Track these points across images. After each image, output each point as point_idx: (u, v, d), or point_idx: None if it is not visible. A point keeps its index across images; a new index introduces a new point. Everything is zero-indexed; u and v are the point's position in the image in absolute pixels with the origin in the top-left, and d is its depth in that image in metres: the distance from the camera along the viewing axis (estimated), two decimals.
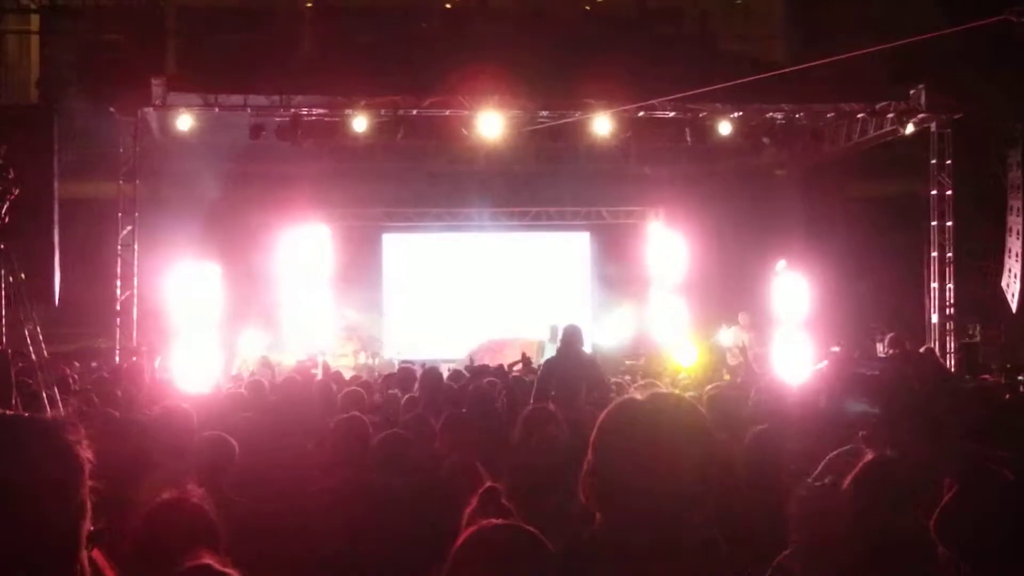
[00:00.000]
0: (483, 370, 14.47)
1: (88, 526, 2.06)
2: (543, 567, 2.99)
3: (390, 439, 6.95)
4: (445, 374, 13.46)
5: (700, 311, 23.79)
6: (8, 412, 2.12)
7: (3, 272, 11.84)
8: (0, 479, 1.94)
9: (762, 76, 17.83)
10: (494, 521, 3.27)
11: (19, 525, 1.93)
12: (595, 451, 2.93)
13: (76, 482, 2.03)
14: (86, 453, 2.06)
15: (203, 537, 4.01)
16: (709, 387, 10.00)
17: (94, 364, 17.95)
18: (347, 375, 16.73)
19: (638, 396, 3.07)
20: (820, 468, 4.79)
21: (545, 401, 9.74)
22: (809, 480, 4.65)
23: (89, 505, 2.06)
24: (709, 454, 2.90)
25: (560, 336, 12.91)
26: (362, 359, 20.98)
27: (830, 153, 23.18)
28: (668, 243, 25.07)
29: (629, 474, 2.81)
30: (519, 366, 17.02)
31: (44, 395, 7.44)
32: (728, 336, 21.22)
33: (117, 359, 18.25)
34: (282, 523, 5.86)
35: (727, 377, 17.82)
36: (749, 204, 24.11)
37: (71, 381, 13.62)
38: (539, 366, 13.99)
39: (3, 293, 11.80)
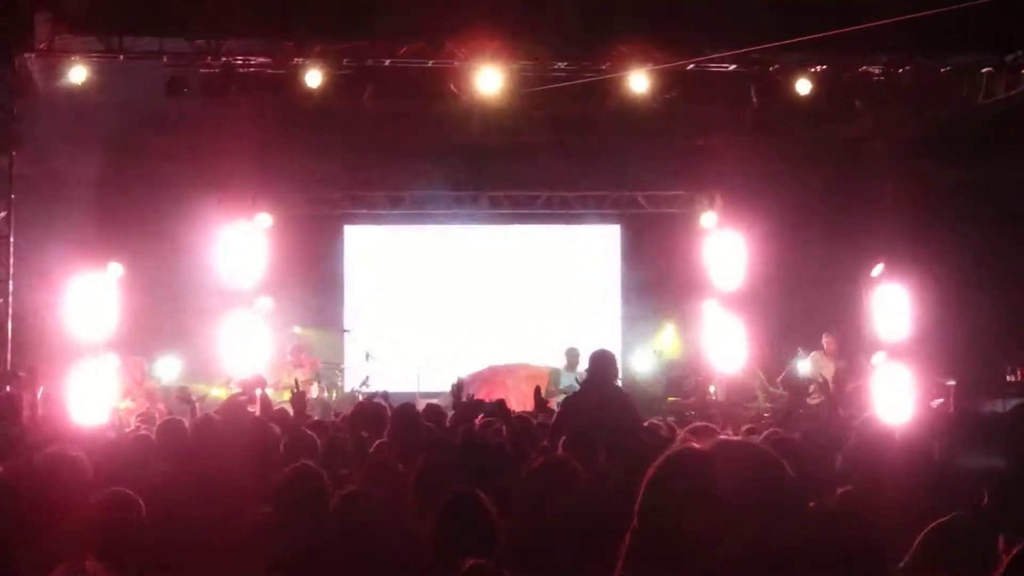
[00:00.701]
0: (475, 407, 14.35)
1: None
2: None
3: (351, 501, 6.90)
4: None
5: (766, 331, 23.72)
6: None
7: None
8: None
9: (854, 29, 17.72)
10: None
11: None
12: (643, 518, 2.88)
13: None
14: None
15: None
16: (782, 432, 9.96)
17: None
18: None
19: (697, 445, 3.01)
20: (913, 549, 4.75)
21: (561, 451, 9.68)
22: (900, 567, 4.62)
23: None
24: (799, 525, 2.85)
25: (582, 364, 12.87)
26: (315, 392, 20.91)
27: (944, 121, 22.98)
28: (725, 240, 25.01)
29: (689, 549, 2.76)
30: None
31: None
32: (806, 366, 21.18)
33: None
34: None
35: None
36: (834, 189, 24.08)
37: None
38: (558, 403, 13.94)
39: None
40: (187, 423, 12.51)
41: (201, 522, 7.35)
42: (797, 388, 20.90)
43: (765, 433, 9.87)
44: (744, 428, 13.48)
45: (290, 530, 6.73)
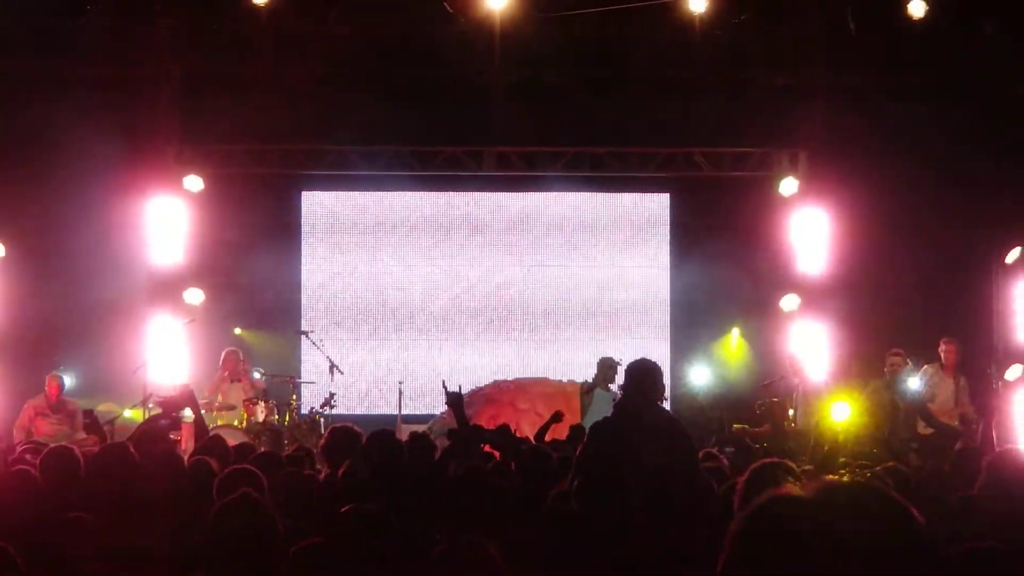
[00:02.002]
0: (475, 435, 14.16)
1: None
2: None
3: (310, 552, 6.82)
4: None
5: (867, 337, 23.65)
6: None
7: None
8: None
9: None
10: None
11: None
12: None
13: None
14: None
15: None
16: (884, 468, 9.87)
17: None
18: (234, 441, 16.62)
19: (795, 489, 2.89)
20: None
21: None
22: None
23: None
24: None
25: (618, 377, 12.76)
26: (260, 415, 20.89)
27: None
28: (810, 213, 24.92)
29: None
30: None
31: None
32: (920, 381, 21.11)
33: None
34: None
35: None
36: (959, 148, 23.91)
37: None
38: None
39: None
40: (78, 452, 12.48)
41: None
42: (907, 409, 20.85)
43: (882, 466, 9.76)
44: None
45: None
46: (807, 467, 12.41)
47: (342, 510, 8.61)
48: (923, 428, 20.26)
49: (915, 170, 23.41)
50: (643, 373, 12.10)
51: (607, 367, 19.87)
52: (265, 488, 9.49)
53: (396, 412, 21.57)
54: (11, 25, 20.98)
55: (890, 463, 10.36)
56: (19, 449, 14.79)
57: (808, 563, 2.68)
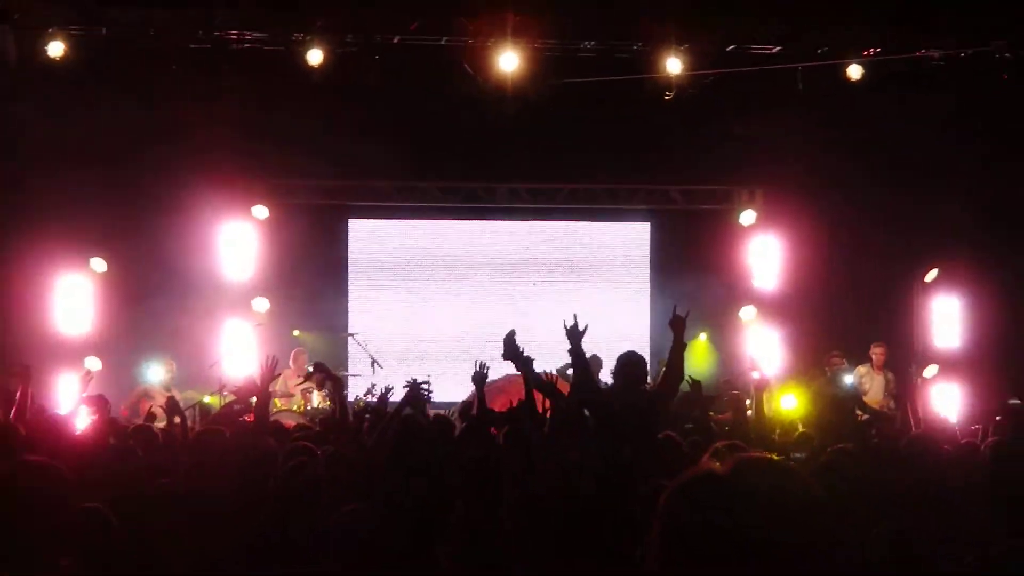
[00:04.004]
0: (485, 417, 14.01)
1: None
2: None
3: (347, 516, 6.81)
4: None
5: (811, 342, 23.64)
6: None
7: None
8: None
9: None
10: None
11: None
12: (659, 549, 2.82)
13: None
14: None
15: None
16: (829, 450, 9.86)
17: None
18: (292, 422, 16.67)
19: (718, 467, 2.94)
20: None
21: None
22: None
23: None
24: (823, 549, 2.79)
25: (604, 373, 12.77)
26: (316, 402, 20.85)
27: (1019, 111, 22.61)
28: (766, 239, 24.96)
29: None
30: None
31: None
32: (851, 378, 21.10)
33: None
34: None
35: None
36: (887, 185, 23.91)
37: None
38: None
39: None
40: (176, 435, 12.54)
41: (183, 546, 7.34)
42: (843, 402, 20.84)
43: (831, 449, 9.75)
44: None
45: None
46: (761, 448, 12.41)
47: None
48: (860, 416, 20.30)
49: (851, 206, 23.46)
50: (629, 363, 12.27)
51: (596, 361, 19.87)
52: (319, 458, 9.54)
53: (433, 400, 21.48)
54: (119, 81, 21.01)
55: (840, 445, 10.33)
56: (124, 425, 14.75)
57: (723, 525, 2.72)
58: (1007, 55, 21.08)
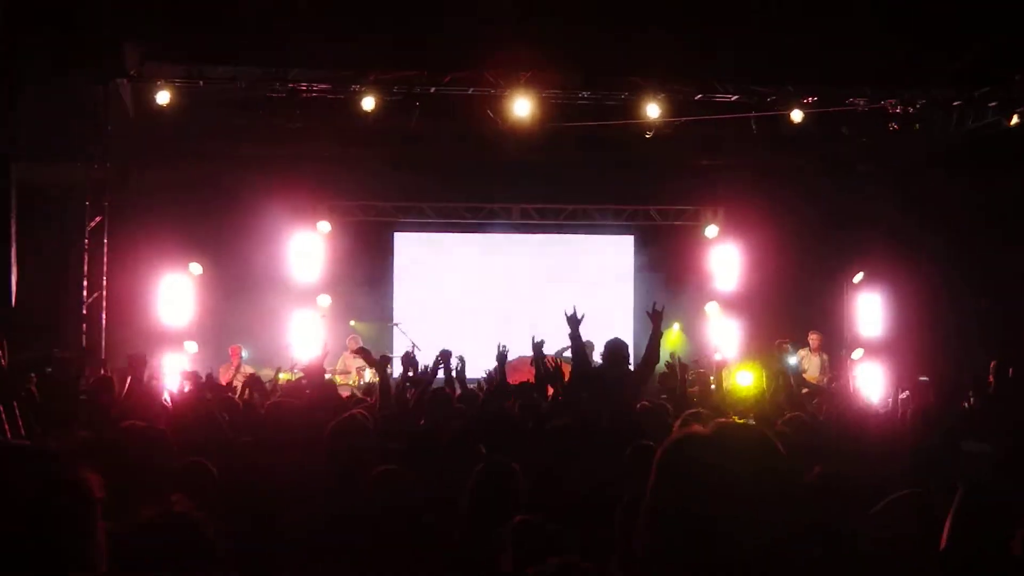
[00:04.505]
0: (502, 388, 14.11)
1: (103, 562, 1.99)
2: None
3: (390, 476, 6.78)
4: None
5: (762, 330, 23.62)
6: (14, 441, 2.06)
7: None
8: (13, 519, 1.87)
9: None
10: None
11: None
12: (654, 495, 2.85)
13: (94, 523, 1.97)
14: (98, 488, 2.00)
15: (197, 551, 3.91)
16: (786, 418, 9.90)
17: (48, 370, 17.94)
18: (347, 394, 16.67)
19: (699, 429, 2.98)
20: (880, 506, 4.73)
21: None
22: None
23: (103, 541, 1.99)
24: (788, 495, 2.82)
25: (598, 350, 12.82)
26: (368, 377, 20.86)
27: (924, 147, 22.79)
28: (726, 250, 25.00)
29: (695, 521, 2.73)
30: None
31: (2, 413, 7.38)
32: (794, 360, 21.10)
33: (101, 370, 18.17)
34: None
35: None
36: (824, 205, 23.98)
37: (34, 392, 13.62)
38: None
39: None
40: (258, 403, 12.61)
41: (268, 482, 7.39)
42: (785, 379, 20.80)
43: (788, 416, 9.78)
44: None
45: (338, 483, 6.67)
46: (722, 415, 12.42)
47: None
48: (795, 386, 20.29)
49: (795, 222, 23.48)
50: (615, 347, 12.38)
51: (589, 346, 19.85)
52: (370, 424, 9.57)
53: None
54: (213, 122, 21.11)
55: (788, 414, 10.36)
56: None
57: (706, 476, 2.75)
58: (898, 110, 21.28)
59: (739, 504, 2.73)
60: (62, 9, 17.72)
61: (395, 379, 14.33)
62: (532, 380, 14.43)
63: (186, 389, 14.43)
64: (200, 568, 3.74)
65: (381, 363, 13.45)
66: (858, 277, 23.49)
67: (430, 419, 10.31)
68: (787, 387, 12.16)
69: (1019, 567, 3.77)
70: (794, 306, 23.42)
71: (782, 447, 2.93)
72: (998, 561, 3.69)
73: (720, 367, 19.39)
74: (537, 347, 12.94)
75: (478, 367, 17.06)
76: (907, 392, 16.43)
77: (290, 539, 5.92)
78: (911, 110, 21.69)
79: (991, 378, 15.36)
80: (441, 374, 14.01)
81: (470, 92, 20.70)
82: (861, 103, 21.53)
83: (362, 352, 15.94)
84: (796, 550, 2.78)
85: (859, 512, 4.81)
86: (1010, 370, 13.97)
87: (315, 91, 20.58)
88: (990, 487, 4.43)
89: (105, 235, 19.73)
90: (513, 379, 14.73)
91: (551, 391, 13.20)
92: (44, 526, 1.89)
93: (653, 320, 12.97)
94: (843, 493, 5.88)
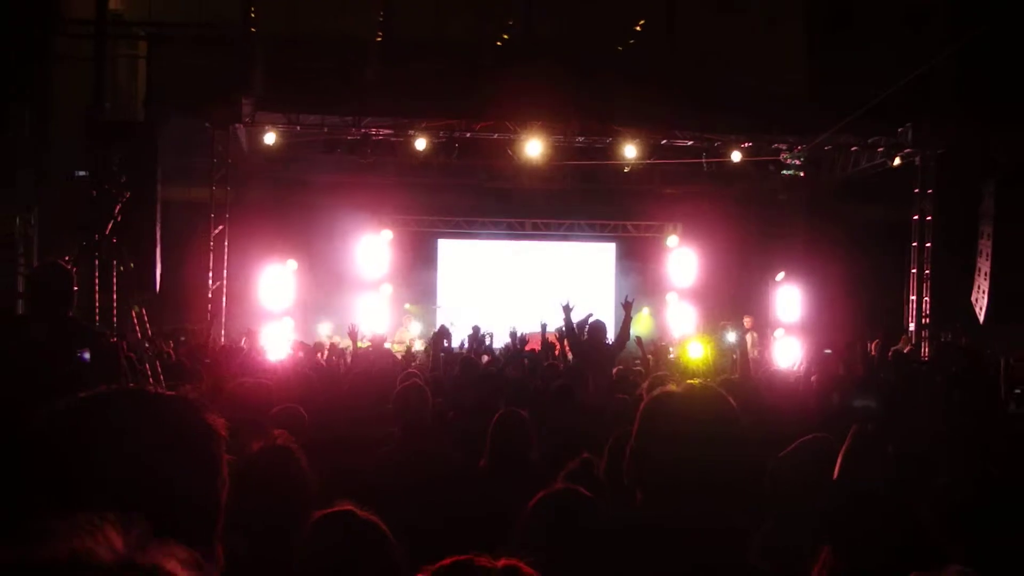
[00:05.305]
0: (521, 353, 14.17)
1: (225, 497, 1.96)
2: (596, 536, 2.90)
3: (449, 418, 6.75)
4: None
5: (709, 314, 23.66)
6: (158, 391, 2.02)
7: (116, 262, 11.92)
8: (158, 452, 1.84)
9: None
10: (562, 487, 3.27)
11: (178, 491, 1.83)
12: (639, 438, 2.82)
13: (221, 456, 1.95)
14: (222, 429, 1.97)
15: (295, 476, 3.88)
16: (720, 379, 9.83)
17: (182, 339, 18.02)
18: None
19: (674, 388, 2.95)
20: (791, 448, 4.70)
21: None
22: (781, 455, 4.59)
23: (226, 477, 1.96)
24: (739, 439, 2.79)
25: (587, 329, 12.77)
26: (417, 346, 20.86)
27: (827, 180, 23.00)
28: (683, 254, 24.95)
29: (671, 458, 2.71)
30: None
31: (147, 368, 7.43)
32: (732, 336, 21.03)
33: (222, 340, 18.22)
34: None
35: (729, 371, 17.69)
36: (755, 222, 24.03)
37: (172, 355, 13.68)
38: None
39: (116, 280, 11.86)
40: (340, 363, 12.65)
41: (347, 423, 7.37)
42: (725, 351, 20.77)
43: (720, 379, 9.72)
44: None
45: (400, 427, 6.60)
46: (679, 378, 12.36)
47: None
48: (733, 356, 20.20)
49: (734, 235, 23.43)
50: (597, 326, 12.36)
51: (599, 325, 19.85)
52: (423, 382, 9.54)
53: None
54: (305, 157, 21.17)
55: (724, 376, 10.32)
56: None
57: (678, 427, 2.72)
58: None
59: (703, 444, 2.70)
60: (197, 76, 17.84)
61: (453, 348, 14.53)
62: (536, 350, 14.44)
63: (294, 355, 14.50)
64: (297, 490, 3.70)
65: (436, 337, 13.52)
66: (780, 275, 23.39)
67: (463, 381, 10.27)
68: (742, 358, 12.11)
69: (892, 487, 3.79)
70: (732, 296, 23.38)
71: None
72: (875, 487, 3.72)
73: (677, 341, 19.36)
74: (566, 308, 12.72)
75: (499, 340, 17.09)
76: (800, 358, 16.50)
77: (360, 472, 5.87)
78: (821, 153, 21.70)
79: (872, 352, 15.35)
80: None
81: (495, 136, 20.70)
82: (783, 147, 21.52)
83: (372, 340, 15.88)
84: (738, 478, 2.76)
85: (775, 451, 4.78)
86: (884, 347, 13.94)
87: (381, 135, 20.60)
88: (871, 433, 4.48)
89: (225, 239, 19.81)
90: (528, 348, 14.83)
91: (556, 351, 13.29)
92: (186, 459, 1.87)
93: (625, 309, 13.03)
94: (764, 438, 5.85)
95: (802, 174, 22.59)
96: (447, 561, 1.98)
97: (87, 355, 5.86)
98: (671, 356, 17.59)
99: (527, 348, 15.08)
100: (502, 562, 1.92)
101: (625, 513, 2.89)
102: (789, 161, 21.76)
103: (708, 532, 2.62)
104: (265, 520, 3.57)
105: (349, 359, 13.54)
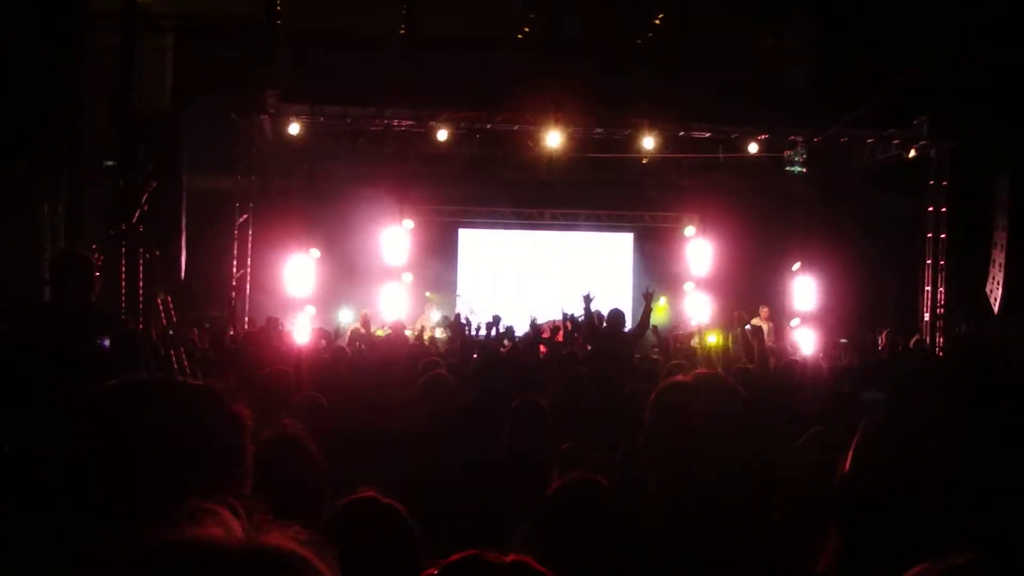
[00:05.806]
0: (538, 341, 14.23)
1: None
2: (614, 522, 2.92)
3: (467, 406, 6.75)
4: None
5: (725, 303, 23.57)
6: (188, 381, 2.04)
7: (141, 250, 11.97)
8: (189, 440, 1.87)
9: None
10: (578, 475, 3.27)
11: (210, 478, 1.85)
12: (649, 427, 2.84)
13: (246, 447, 1.97)
14: (249, 419, 2.00)
15: (302, 462, 3.89)
16: (735, 368, 9.82)
17: (206, 325, 18.09)
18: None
19: (683, 378, 2.97)
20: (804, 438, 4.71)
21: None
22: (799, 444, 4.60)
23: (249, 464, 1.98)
24: (746, 428, 2.81)
25: (605, 318, 12.78)
26: (439, 333, 20.88)
27: (843, 172, 22.92)
28: (700, 245, 24.87)
29: (680, 446, 2.73)
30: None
31: (172, 356, 7.46)
32: (750, 326, 20.97)
33: (246, 327, 18.31)
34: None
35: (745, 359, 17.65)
36: (771, 213, 23.89)
37: (196, 342, 13.72)
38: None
39: (141, 267, 11.90)
40: (363, 348, 12.66)
41: (368, 407, 7.39)
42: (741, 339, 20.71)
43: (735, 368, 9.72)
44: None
45: (425, 414, 6.64)
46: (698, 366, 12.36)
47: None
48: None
49: (750, 225, 23.33)
50: (616, 315, 12.34)
51: (598, 315, 19.82)
52: (443, 366, 9.57)
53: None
54: (328, 147, 21.20)
55: (740, 365, 10.29)
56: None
57: (686, 414, 2.74)
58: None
59: (709, 434, 2.71)
60: (223, 67, 17.91)
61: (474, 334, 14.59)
62: (560, 339, 14.46)
63: (315, 342, 14.52)
64: (305, 476, 3.72)
65: (454, 325, 13.57)
66: (796, 265, 23.32)
67: (482, 367, 10.29)
68: (759, 345, 12.07)
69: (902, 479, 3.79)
70: (749, 286, 23.26)
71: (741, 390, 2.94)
72: (885, 482, 3.71)
73: (695, 331, 19.34)
74: (586, 299, 12.79)
75: (519, 328, 17.11)
76: (824, 352, 16.44)
77: (381, 455, 5.90)
78: (837, 145, 21.65)
79: (883, 343, 15.30)
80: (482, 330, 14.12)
81: (515, 128, 20.71)
82: (800, 139, 21.46)
83: (392, 327, 15.93)
84: (745, 468, 2.77)
85: (786, 443, 4.81)
86: (896, 340, 13.87)
87: (403, 126, 20.64)
88: (881, 427, 4.46)
89: (249, 228, 19.93)
90: (544, 336, 14.87)
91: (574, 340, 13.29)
92: (216, 449, 1.90)
93: (646, 299, 13.02)
94: (772, 428, 5.87)
95: (804, 170, 22.57)
96: (456, 556, 1.95)
97: (107, 342, 5.89)
98: (693, 343, 17.62)
99: (548, 337, 15.14)
100: (511, 557, 1.91)
101: (638, 501, 2.91)
102: (795, 159, 21.72)
103: (718, 521, 2.64)
104: (274, 511, 3.58)
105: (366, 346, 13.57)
